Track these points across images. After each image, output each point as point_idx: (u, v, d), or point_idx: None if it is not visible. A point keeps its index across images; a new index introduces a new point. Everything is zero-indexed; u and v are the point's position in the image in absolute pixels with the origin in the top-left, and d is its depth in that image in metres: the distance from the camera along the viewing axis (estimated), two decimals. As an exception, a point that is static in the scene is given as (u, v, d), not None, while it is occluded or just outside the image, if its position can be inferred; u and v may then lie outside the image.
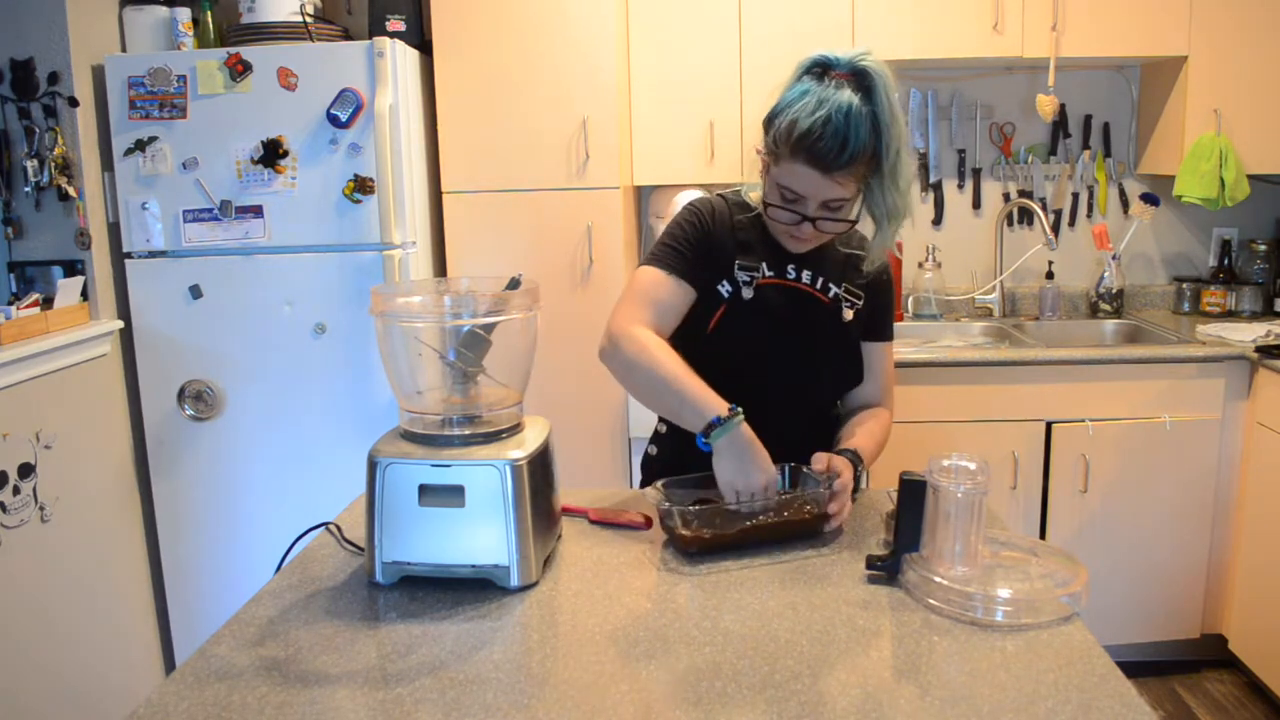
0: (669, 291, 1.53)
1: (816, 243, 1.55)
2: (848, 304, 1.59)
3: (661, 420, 1.70)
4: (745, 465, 1.37)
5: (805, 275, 1.58)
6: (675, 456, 1.63)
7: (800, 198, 1.44)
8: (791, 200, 1.46)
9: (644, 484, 1.73)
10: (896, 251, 3.23)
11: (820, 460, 1.44)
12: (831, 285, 1.59)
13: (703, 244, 1.56)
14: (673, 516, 1.39)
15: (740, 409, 1.40)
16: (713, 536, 1.37)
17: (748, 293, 1.55)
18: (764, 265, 1.56)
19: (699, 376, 1.44)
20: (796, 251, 1.57)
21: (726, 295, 1.56)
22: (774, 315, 1.56)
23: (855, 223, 1.51)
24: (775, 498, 1.40)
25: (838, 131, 1.36)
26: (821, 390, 1.65)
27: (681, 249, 1.55)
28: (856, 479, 1.46)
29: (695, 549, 1.37)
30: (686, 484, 1.46)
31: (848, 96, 1.38)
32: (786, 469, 1.47)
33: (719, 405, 1.40)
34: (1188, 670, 2.90)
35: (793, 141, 1.39)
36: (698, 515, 1.39)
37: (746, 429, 1.39)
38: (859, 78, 1.40)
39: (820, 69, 1.42)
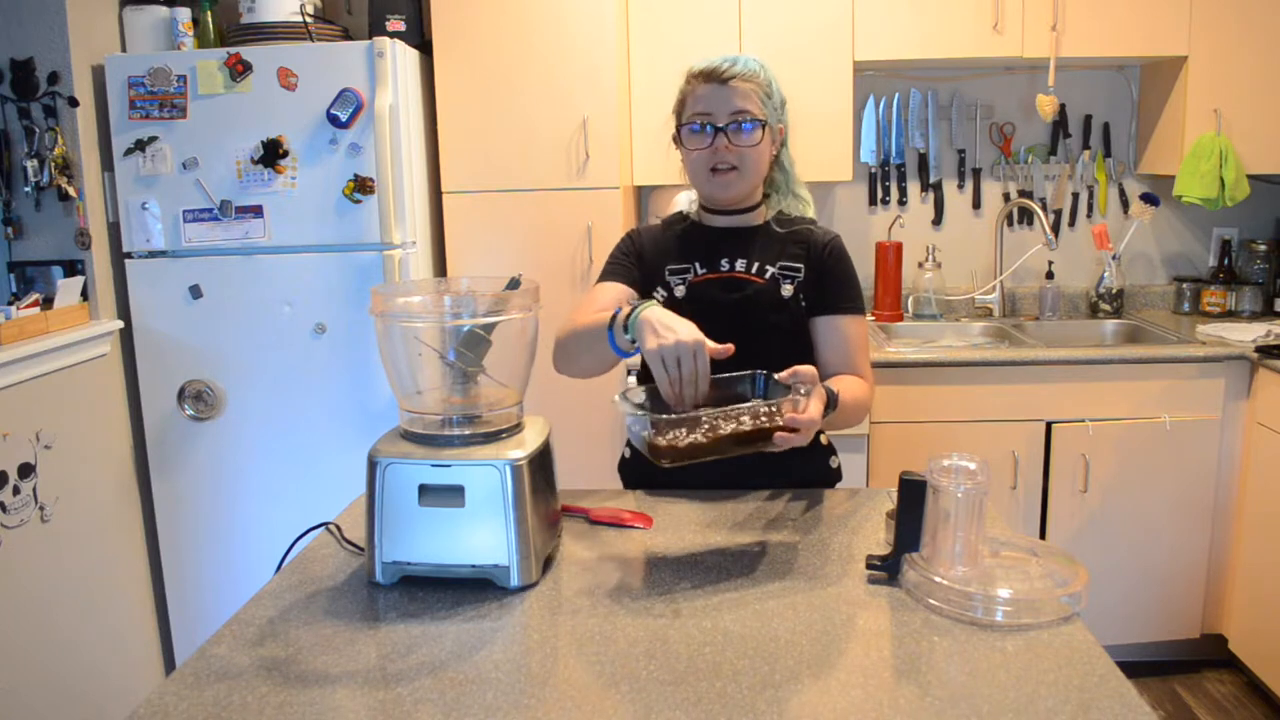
0: (607, 290, 1.66)
1: (742, 181, 1.62)
2: (786, 279, 1.63)
3: None
4: (664, 324, 1.30)
5: (740, 264, 1.66)
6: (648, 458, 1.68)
7: (708, 114, 1.60)
8: (703, 124, 1.60)
9: (625, 486, 1.76)
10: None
11: (787, 371, 1.35)
12: (768, 267, 1.64)
13: (635, 255, 1.72)
14: (645, 425, 1.26)
15: (651, 300, 1.40)
16: (687, 445, 1.25)
17: (680, 291, 1.65)
18: (697, 265, 1.66)
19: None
20: (722, 195, 1.64)
21: (661, 300, 1.65)
22: (709, 305, 1.61)
23: (760, 135, 1.60)
24: (707, 382, 1.28)
25: (725, 56, 1.62)
26: (770, 369, 1.65)
27: (617, 262, 1.72)
28: (829, 409, 1.39)
29: (668, 459, 1.26)
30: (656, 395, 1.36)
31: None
32: (757, 376, 1.39)
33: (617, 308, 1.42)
34: (1188, 670, 2.90)
35: (690, 74, 1.64)
36: (672, 423, 1.25)
37: (658, 307, 1.36)
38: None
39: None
